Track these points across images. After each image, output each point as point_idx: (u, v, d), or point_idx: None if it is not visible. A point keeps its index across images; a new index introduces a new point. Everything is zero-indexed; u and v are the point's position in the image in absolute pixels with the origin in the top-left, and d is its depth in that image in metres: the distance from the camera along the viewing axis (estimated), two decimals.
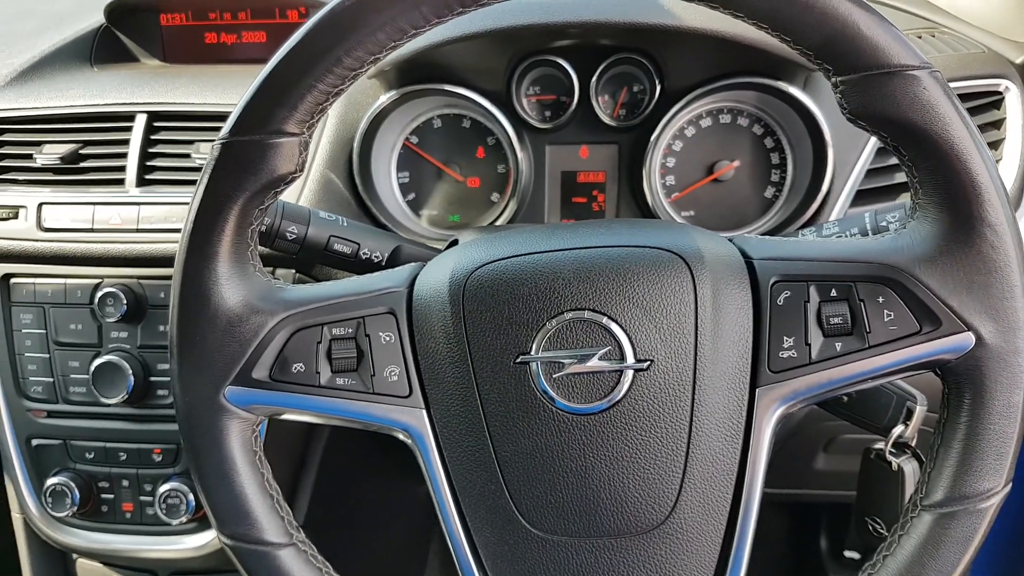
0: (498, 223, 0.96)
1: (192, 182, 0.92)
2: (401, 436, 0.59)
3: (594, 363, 0.55)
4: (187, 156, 0.93)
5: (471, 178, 0.99)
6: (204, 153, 0.91)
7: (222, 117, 0.93)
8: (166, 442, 0.94)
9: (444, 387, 0.57)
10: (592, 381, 0.55)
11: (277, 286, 0.60)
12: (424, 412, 0.58)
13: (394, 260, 0.77)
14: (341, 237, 0.75)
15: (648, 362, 0.54)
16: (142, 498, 0.95)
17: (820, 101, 0.88)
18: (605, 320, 0.55)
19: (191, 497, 0.91)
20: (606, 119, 0.93)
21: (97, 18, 1.15)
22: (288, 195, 0.90)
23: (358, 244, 0.75)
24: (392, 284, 0.60)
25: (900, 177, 0.89)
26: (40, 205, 0.92)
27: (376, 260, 0.76)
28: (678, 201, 0.95)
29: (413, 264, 0.63)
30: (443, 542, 0.59)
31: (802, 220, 0.89)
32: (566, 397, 0.55)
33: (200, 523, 0.94)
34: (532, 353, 0.55)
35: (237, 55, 1.15)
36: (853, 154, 0.88)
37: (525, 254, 0.58)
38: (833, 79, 0.52)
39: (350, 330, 0.59)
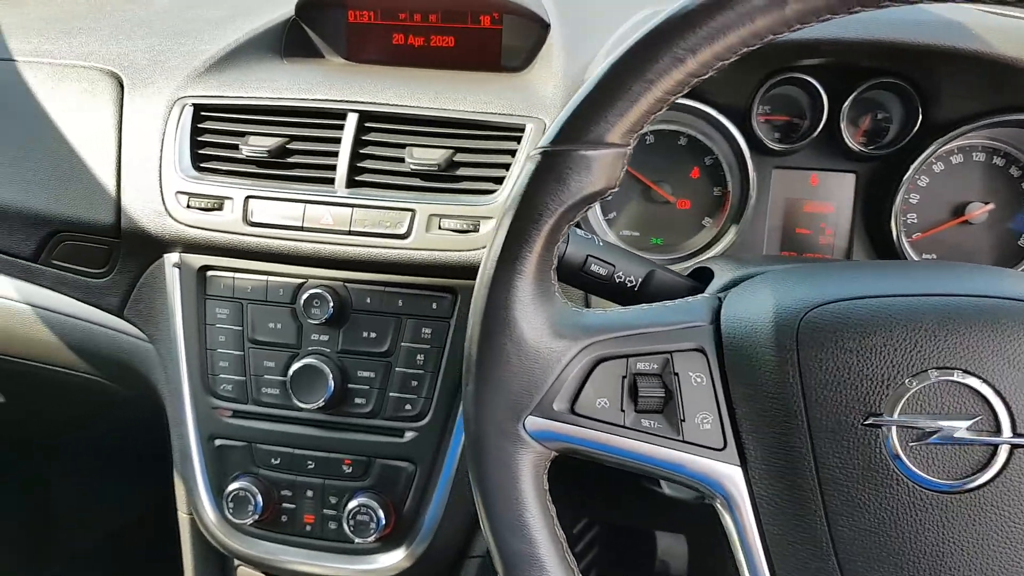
0: (714, 250, 0.91)
1: (405, 187, 0.91)
2: (706, 494, 0.54)
3: (963, 433, 0.49)
4: (399, 160, 0.89)
5: (682, 199, 0.94)
6: (419, 158, 0.87)
7: (436, 122, 0.90)
8: (357, 453, 0.90)
9: (767, 443, 0.52)
10: (958, 453, 0.49)
11: (573, 309, 0.55)
12: (740, 470, 0.52)
13: (646, 286, 0.71)
14: (598, 258, 0.70)
15: None
16: (326, 511, 0.91)
17: None
18: (978, 383, 0.49)
19: (381, 514, 0.87)
20: (852, 145, 0.87)
21: (283, 11, 1.13)
22: (502, 207, 0.85)
23: (613, 266, 0.70)
24: (693, 318, 0.55)
25: None
26: (247, 198, 0.89)
27: (629, 285, 0.71)
28: (919, 242, 0.88)
29: (703, 296, 0.58)
30: None
31: None
32: (925, 469, 0.49)
33: (387, 542, 0.90)
34: (886, 415, 0.49)
35: (422, 58, 1.11)
36: None
37: (873, 296, 0.52)
38: None
39: (656, 365, 0.54)
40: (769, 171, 0.91)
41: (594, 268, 0.71)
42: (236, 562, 1.01)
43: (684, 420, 0.53)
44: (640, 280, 0.71)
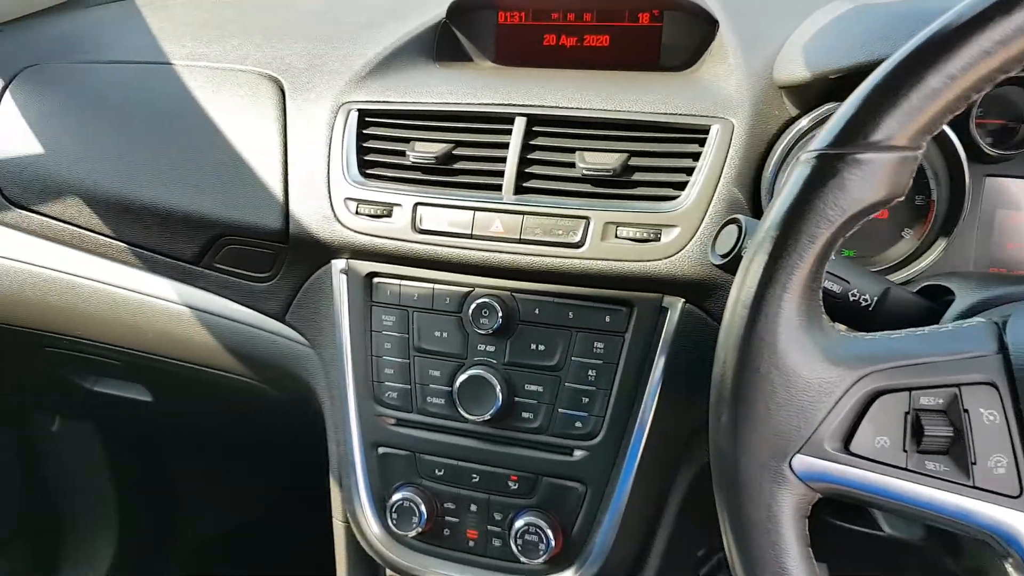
0: (916, 265, 0.83)
1: (576, 194, 0.86)
2: (996, 548, 0.47)
3: None
4: (569, 165, 0.86)
5: None
6: (591, 163, 0.84)
7: (609, 124, 0.86)
8: (524, 470, 0.87)
9: None
10: None
11: (843, 334, 0.50)
12: None
13: (881, 306, 0.65)
14: (832, 273, 0.64)
15: None
16: (490, 527, 0.89)
17: None
18: None
19: (551, 534, 0.84)
20: None
21: (431, 14, 1.12)
22: (689, 212, 0.81)
23: (848, 282, 0.64)
24: (979, 346, 0.49)
25: None
26: (416, 205, 0.87)
27: (864, 304, 0.65)
28: None
29: (979, 321, 0.52)
30: None
31: None
32: None
33: (554, 564, 0.86)
34: None
35: (574, 59, 1.08)
36: None
37: None
38: None
39: (942, 400, 0.48)
40: (981, 179, 0.83)
41: (828, 284, 0.65)
42: (389, 572, 1.00)
43: (975, 463, 0.47)
44: (876, 299, 0.65)
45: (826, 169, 0.47)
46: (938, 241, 0.82)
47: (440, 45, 1.07)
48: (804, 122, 0.82)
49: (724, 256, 0.63)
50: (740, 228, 0.63)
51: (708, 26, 0.97)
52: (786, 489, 0.48)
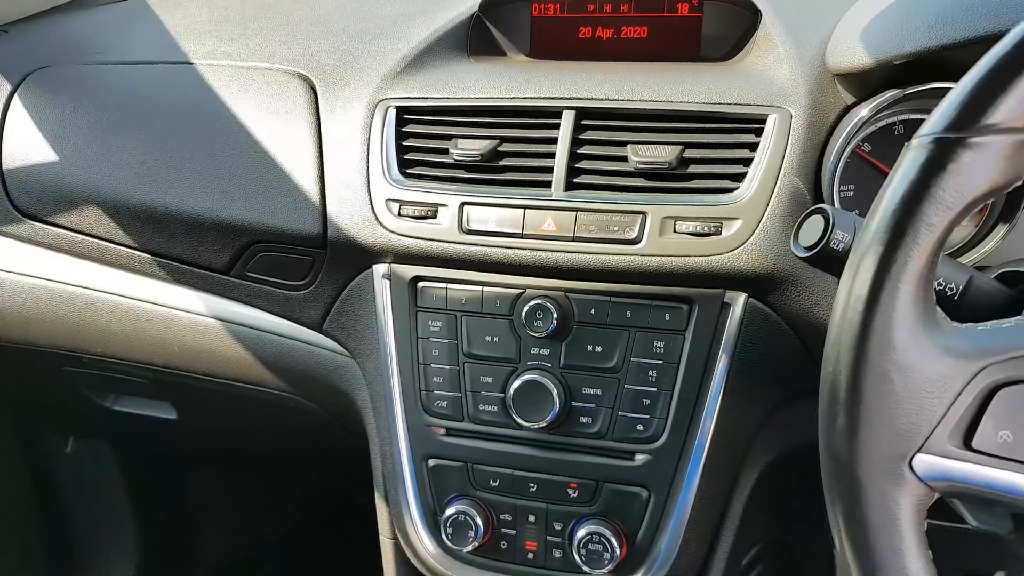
0: (975, 252, 0.80)
1: (630, 188, 0.82)
2: None
3: None
4: (620, 159, 0.82)
5: None
6: (645, 156, 0.81)
7: (662, 116, 0.83)
8: (584, 477, 0.84)
9: None
10: None
11: (955, 325, 0.47)
12: None
13: (966, 294, 0.62)
14: None
15: None
16: (550, 538, 0.85)
17: None
18: None
19: (615, 542, 0.81)
20: None
21: (463, 7, 1.08)
22: (751, 204, 0.78)
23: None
24: None
25: None
26: (462, 205, 0.84)
27: (950, 293, 0.62)
28: None
29: None
30: None
31: None
32: None
33: (618, 573, 0.83)
34: None
35: (611, 51, 1.05)
36: None
37: None
38: None
39: None
40: None
41: None
42: None
43: None
44: (960, 287, 0.62)
45: (943, 154, 0.44)
46: (998, 227, 0.79)
47: (473, 39, 1.04)
48: (864, 111, 0.79)
49: (809, 248, 0.60)
50: (827, 218, 0.60)
51: (750, 15, 0.95)
52: (906, 490, 0.45)
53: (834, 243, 0.58)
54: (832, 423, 0.47)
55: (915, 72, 0.79)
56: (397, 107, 0.90)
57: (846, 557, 0.47)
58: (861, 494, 0.46)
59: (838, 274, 0.65)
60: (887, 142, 0.85)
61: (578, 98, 0.86)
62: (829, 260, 0.59)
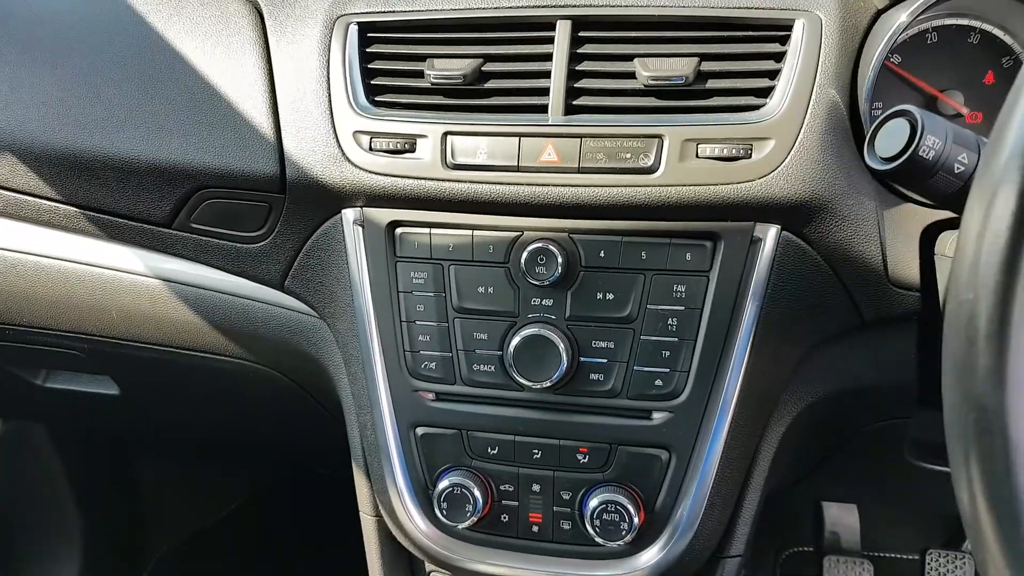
0: None
1: (640, 109, 0.70)
2: None
3: None
4: (627, 75, 0.71)
5: (974, 111, 0.76)
6: (656, 71, 0.70)
7: (672, 23, 0.72)
8: (596, 440, 0.74)
9: None
10: None
11: None
12: None
13: None
14: None
15: None
16: (556, 508, 0.76)
17: None
18: None
19: (632, 510, 0.72)
20: None
21: None
22: (783, 121, 0.68)
23: None
24: None
25: None
26: (445, 134, 0.72)
27: None
28: None
29: None
30: None
31: None
32: None
33: (635, 544, 0.74)
34: None
35: None
36: None
37: None
38: None
39: None
40: None
41: None
42: (428, 567, 0.87)
43: None
44: None
45: None
46: None
47: None
48: (903, 15, 0.69)
49: (891, 159, 0.51)
50: (916, 123, 0.50)
51: None
52: None
53: (924, 150, 0.49)
54: (972, 363, 0.37)
55: None
56: (360, 23, 0.76)
57: (982, 526, 0.38)
58: (1013, 449, 0.37)
59: (920, 189, 0.56)
60: (918, 53, 0.76)
61: (573, 5, 0.74)
62: (916, 171, 0.50)
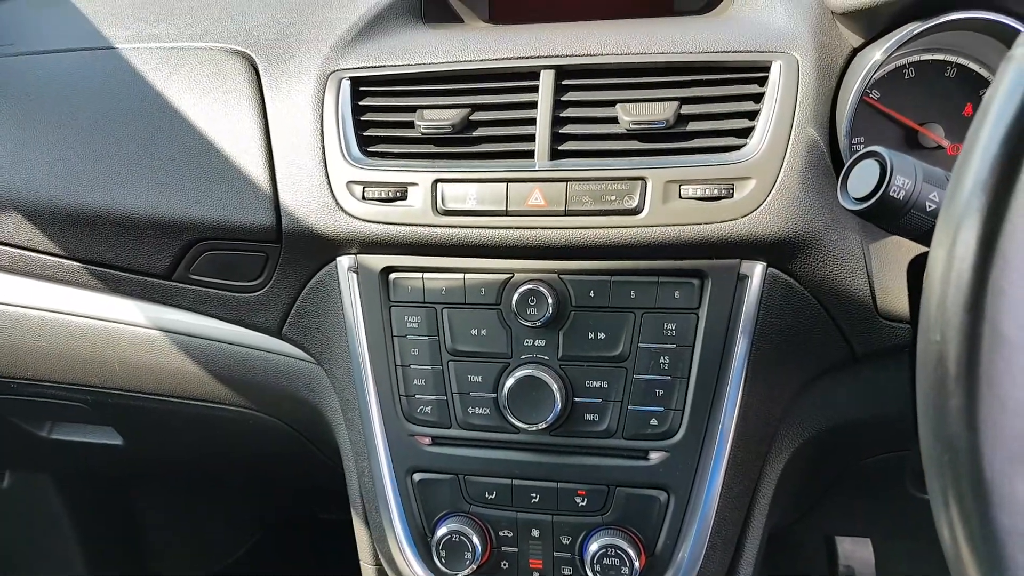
0: None
1: (624, 152, 0.72)
2: None
3: None
4: (609, 120, 0.73)
5: (955, 144, 0.77)
6: (638, 115, 0.71)
7: (653, 70, 0.74)
8: (592, 481, 0.74)
9: None
10: None
11: None
12: None
13: None
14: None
15: None
16: (557, 553, 0.75)
17: None
18: None
19: (632, 554, 0.71)
20: None
21: None
22: (763, 161, 0.69)
23: None
24: None
25: None
26: (435, 182, 0.74)
27: None
28: None
29: None
30: None
31: None
32: None
33: None
34: None
35: (578, 11, 0.95)
36: None
37: None
38: None
39: None
40: None
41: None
42: None
43: None
44: None
45: None
46: None
47: (428, 4, 0.94)
48: (878, 53, 0.71)
49: (863, 199, 0.52)
50: (884, 163, 0.51)
51: None
52: None
53: (894, 191, 0.50)
54: (943, 404, 0.37)
55: (927, 5, 0.71)
56: (352, 78, 0.79)
57: (965, 567, 0.38)
58: (989, 491, 0.37)
59: (894, 227, 0.57)
60: (896, 88, 0.77)
61: (556, 55, 0.76)
62: (887, 211, 0.51)
